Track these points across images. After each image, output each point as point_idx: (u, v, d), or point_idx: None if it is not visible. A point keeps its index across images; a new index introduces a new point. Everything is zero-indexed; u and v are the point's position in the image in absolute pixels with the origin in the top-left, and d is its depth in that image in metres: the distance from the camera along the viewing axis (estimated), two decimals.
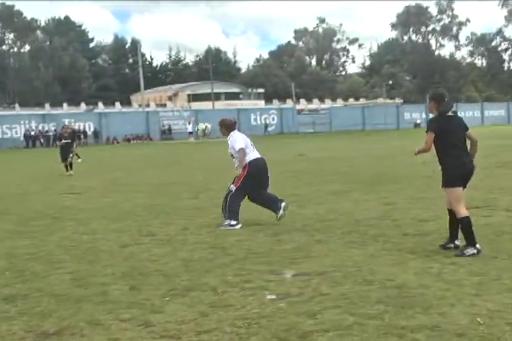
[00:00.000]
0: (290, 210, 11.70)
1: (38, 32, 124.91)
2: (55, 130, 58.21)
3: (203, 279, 7.08)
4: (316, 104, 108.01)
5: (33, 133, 63.95)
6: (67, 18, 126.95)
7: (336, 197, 14.41)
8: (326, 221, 10.97)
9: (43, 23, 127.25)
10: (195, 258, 8.23)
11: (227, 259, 8.10)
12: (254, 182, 11.20)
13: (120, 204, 14.63)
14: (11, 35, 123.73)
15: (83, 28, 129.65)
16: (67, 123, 58.31)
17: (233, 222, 10.77)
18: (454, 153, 8.02)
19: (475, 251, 7.83)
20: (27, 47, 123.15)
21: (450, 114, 8.16)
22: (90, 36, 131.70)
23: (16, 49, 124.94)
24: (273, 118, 78.51)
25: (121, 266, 7.90)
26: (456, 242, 8.25)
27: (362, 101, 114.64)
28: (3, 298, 6.68)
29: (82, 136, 64.15)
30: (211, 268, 7.61)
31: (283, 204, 11.14)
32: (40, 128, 64.98)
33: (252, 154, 11.40)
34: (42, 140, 63.81)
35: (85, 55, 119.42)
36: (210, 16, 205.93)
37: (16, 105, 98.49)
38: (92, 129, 67.67)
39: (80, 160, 30.17)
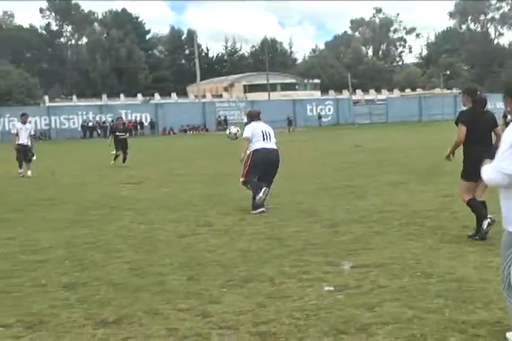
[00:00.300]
0: (347, 201, 11.67)
1: (96, 24, 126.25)
2: (113, 121, 58.83)
3: (261, 270, 7.08)
4: (372, 94, 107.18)
5: (90, 124, 64.82)
6: (124, 10, 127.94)
7: (392, 188, 14.27)
8: (383, 212, 10.87)
9: (100, 16, 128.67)
10: (253, 248, 8.24)
11: (285, 250, 8.09)
12: (256, 169, 11.62)
13: (177, 194, 14.73)
14: (69, 28, 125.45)
15: (140, 19, 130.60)
16: (122, 115, 59.05)
17: (260, 209, 11.40)
18: (475, 149, 8.11)
19: (489, 220, 8.27)
20: (84, 40, 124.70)
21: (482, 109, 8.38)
22: (147, 28, 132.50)
23: (73, 41, 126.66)
24: (329, 109, 78.10)
25: (179, 256, 7.95)
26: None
27: (419, 91, 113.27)
28: (63, 286, 6.79)
29: (138, 127, 64.92)
30: (268, 259, 7.62)
31: (263, 188, 11.42)
32: (97, 119, 65.82)
33: (259, 144, 11.75)
34: (99, 131, 64.57)
35: (142, 47, 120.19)
36: (266, 7, 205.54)
37: (74, 96, 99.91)
38: (148, 120, 68.24)
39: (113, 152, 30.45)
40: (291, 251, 8.04)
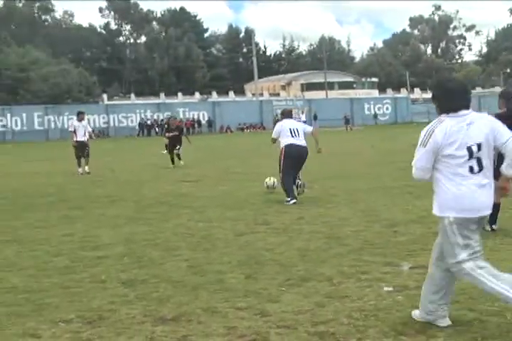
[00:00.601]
0: (405, 201, 11.56)
1: (154, 23, 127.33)
2: (162, 120, 59.26)
3: (319, 269, 7.05)
4: (430, 93, 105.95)
5: (148, 122, 65.48)
6: (182, 9, 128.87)
7: None
8: None
9: (158, 15, 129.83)
10: (311, 248, 8.20)
11: (343, 250, 8.04)
12: (289, 163, 12.86)
13: (235, 192, 14.76)
14: (128, 27, 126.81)
15: (198, 18, 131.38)
16: (180, 113, 59.52)
17: (288, 199, 12.54)
18: None
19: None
20: (143, 38, 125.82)
21: None
22: (205, 26, 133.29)
23: (132, 40, 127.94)
24: (387, 108, 77.50)
25: (237, 255, 7.97)
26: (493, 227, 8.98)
27: (478, 90, 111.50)
28: (123, 283, 6.86)
29: (195, 125, 65.35)
30: (327, 259, 7.58)
31: (298, 181, 13.09)
32: (155, 117, 66.47)
33: (287, 140, 13.03)
34: (157, 129, 65.18)
35: (200, 45, 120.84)
36: (324, 5, 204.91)
37: (132, 95, 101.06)
38: (206, 118, 68.62)
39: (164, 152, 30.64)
40: (350, 250, 7.98)
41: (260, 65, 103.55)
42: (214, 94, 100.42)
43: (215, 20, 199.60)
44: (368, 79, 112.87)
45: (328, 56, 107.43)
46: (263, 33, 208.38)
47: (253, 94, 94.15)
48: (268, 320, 5.44)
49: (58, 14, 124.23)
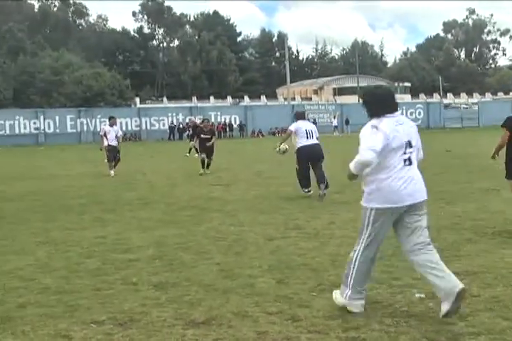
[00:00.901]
0: (438, 207, 11.48)
1: (187, 27, 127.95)
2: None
3: None
4: (463, 98, 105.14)
5: (181, 125, 65.68)
6: (215, 12, 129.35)
7: (485, 194, 13.94)
8: (476, 220, 10.62)
9: (191, 18, 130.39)
10: (342, 253, 8.14)
11: None
12: (303, 162, 14.47)
13: (266, 196, 14.75)
14: (161, 31, 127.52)
15: (231, 22, 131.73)
16: (212, 117, 59.64)
17: (305, 189, 14.47)
18: None
19: None
20: (176, 42, 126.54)
21: None
22: (238, 30, 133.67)
23: (165, 44, 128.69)
24: (419, 113, 76.99)
25: (268, 259, 7.96)
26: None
27: None
28: (154, 285, 6.89)
29: (227, 129, 65.41)
30: None
31: (321, 185, 14.34)
32: (187, 120, 66.69)
33: (302, 141, 14.49)
34: (189, 132, 65.20)
35: (232, 49, 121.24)
36: (357, 9, 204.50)
37: (164, 98, 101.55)
38: (237, 122, 68.71)
39: (195, 155, 30.73)
40: (381, 256, 7.87)
41: (292, 69, 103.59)
42: (246, 98, 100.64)
43: (247, 24, 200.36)
44: (401, 84, 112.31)
45: (360, 60, 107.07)
46: (296, 37, 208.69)
47: (285, 99, 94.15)
48: (299, 325, 5.44)
49: (92, 18, 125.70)
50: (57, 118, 63.80)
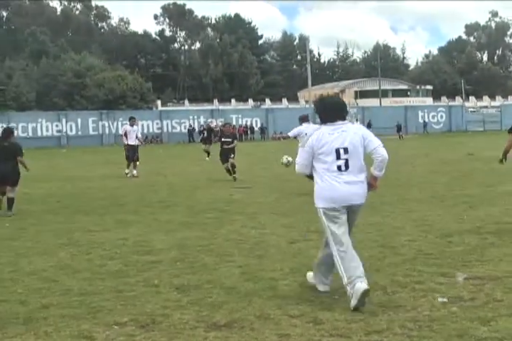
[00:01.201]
0: (460, 211, 11.46)
1: (209, 29, 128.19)
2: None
3: (373, 278, 6.95)
4: (486, 101, 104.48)
5: (202, 128, 65.80)
6: (237, 15, 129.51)
7: (509, 198, 13.82)
8: (499, 223, 10.53)
9: (213, 21, 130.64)
10: (365, 256, 8.07)
11: (397, 259, 7.97)
12: None
13: (287, 199, 14.74)
14: (183, 33, 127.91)
15: (252, 25, 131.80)
16: (233, 120, 59.68)
17: None
18: None
19: None
20: (197, 45, 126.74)
21: None
22: (259, 33, 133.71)
23: (186, 46, 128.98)
24: (441, 116, 76.65)
25: (290, 262, 7.94)
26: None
27: None
28: (176, 288, 6.89)
29: (248, 132, 65.38)
30: (381, 268, 7.53)
31: None
32: (213, 124, 66.76)
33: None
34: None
35: (254, 52, 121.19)
36: (378, 12, 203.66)
37: (186, 101, 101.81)
38: (258, 125, 68.72)
39: (206, 159, 30.84)
40: (404, 260, 7.90)
41: (314, 72, 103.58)
42: (267, 101, 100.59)
43: (268, 27, 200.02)
44: (423, 87, 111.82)
45: (382, 63, 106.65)
46: (317, 39, 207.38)
47: (306, 102, 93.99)
48: (321, 328, 5.42)
49: (114, 21, 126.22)
50: (79, 120, 64.25)
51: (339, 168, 6.29)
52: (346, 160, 6.29)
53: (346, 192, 6.29)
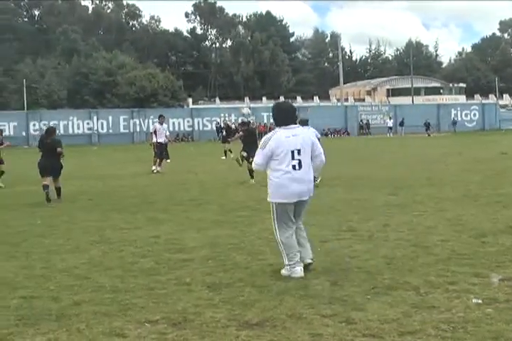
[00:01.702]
0: (494, 210, 11.35)
1: (240, 27, 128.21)
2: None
3: (406, 278, 6.91)
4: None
5: (233, 126, 65.82)
6: (268, 13, 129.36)
7: None
8: None
9: (244, 19, 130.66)
10: (398, 256, 8.06)
11: (430, 259, 7.87)
12: None
13: (319, 197, 14.59)
14: (214, 31, 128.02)
15: (284, 22, 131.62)
16: (264, 118, 59.68)
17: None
18: None
19: None
20: (229, 43, 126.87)
21: None
22: (290, 31, 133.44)
23: (217, 44, 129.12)
24: (474, 114, 75.97)
25: (322, 261, 7.87)
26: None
27: None
28: (207, 286, 6.89)
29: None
30: (414, 268, 7.44)
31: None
32: (239, 121, 66.70)
33: None
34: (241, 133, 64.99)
35: (285, 50, 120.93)
36: (410, 9, 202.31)
37: (217, 99, 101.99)
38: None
39: (223, 158, 30.85)
40: (437, 260, 7.81)
41: (346, 69, 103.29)
42: (299, 98, 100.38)
43: (300, 24, 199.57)
44: (456, 85, 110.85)
45: (414, 61, 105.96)
46: (348, 37, 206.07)
47: (338, 100, 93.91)
48: (353, 328, 5.37)
49: (145, 19, 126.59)
50: (110, 118, 64.67)
51: (294, 167, 7.25)
52: (299, 160, 7.27)
53: (298, 190, 7.29)
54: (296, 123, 7.46)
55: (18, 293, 6.88)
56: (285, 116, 7.48)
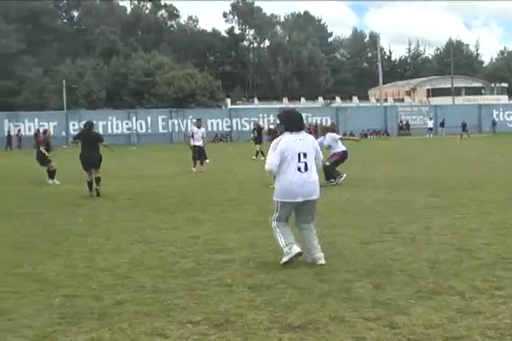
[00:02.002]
0: None
1: (278, 27, 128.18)
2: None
3: (450, 282, 6.80)
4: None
5: (271, 126, 65.75)
6: (306, 13, 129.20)
7: None
8: None
9: (282, 19, 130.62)
10: (441, 259, 7.94)
11: (475, 263, 7.74)
12: (341, 162, 18.56)
13: (359, 199, 14.55)
14: (251, 31, 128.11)
15: (322, 22, 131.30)
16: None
17: (332, 180, 17.85)
18: None
19: None
20: (266, 43, 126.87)
21: None
22: (329, 30, 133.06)
23: (255, 44, 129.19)
24: None
25: (364, 264, 7.80)
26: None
27: None
28: (249, 287, 6.85)
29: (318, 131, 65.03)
30: (458, 272, 7.31)
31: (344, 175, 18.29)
32: (278, 122, 66.54)
33: (343, 147, 18.70)
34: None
35: (324, 50, 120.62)
36: (449, 9, 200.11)
37: (255, 99, 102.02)
38: (329, 124, 68.32)
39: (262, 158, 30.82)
40: (482, 264, 7.67)
41: (385, 69, 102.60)
42: (337, 99, 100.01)
43: (338, 24, 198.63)
44: (497, 85, 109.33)
45: (455, 60, 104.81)
46: (387, 37, 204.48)
47: (377, 100, 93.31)
48: (398, 333, 5.30)
49: (183, 20, 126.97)
50: (149, 118, 65.04)
51: (299, 168, 7.82)
52: (305, 163, 7.86)
53: (304, 190, 7.84)
54: (302, 129, 8.12)
55: (60, 292, 6.93)
56: (293, 122, 8.10)
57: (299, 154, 7.82)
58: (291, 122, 8.10)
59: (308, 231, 8.06)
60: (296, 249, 7.82)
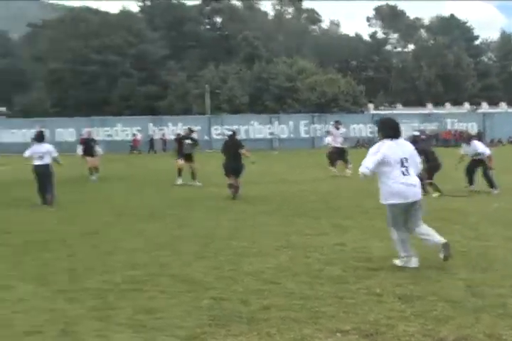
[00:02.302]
0: None
1: (422, 31, 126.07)
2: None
3: None
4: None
5: (415, 133, 64.30)
6: (452, 16, 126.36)
7: None
8: None
9: (426, 22, 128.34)
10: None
11: None
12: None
13: (509, 208, 13.92)
14: (395, 35, 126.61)
15: (468, 25, 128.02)
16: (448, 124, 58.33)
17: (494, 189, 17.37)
18: None
19: None
20: (410, 47, 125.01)
21: None
22: (475, 33, 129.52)
23: (399, 48, 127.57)
24: None
25: None
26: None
27: None
28: (399, 298, 6.73)
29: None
30: None
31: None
32: (421, 127, 65.20)
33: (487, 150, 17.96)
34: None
35: (470, 53, 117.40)
36: None
37: (399, 104, 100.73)
38: (475, 130, 66.36)
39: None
40: None
41: None
42: (484, 104, 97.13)
43: (485, 26, 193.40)
44: None
45: None
46: None
47: None
48: None
49: (325, 24, 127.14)
50: (290, 123, 65.36)
51: (403, 172, 8.20)
52: (407, 167, 8.25)
53: (410, 192, 8.19)
54: (400, 136, 8.46)
55: (208, 294, 7.05)
56: (391, 130, 8.46)
57: (402, 159, 8.22)
58: (390, 130, 8.46)
59: (420, 229, 8.38)
60: (414, 263, 8.26)
